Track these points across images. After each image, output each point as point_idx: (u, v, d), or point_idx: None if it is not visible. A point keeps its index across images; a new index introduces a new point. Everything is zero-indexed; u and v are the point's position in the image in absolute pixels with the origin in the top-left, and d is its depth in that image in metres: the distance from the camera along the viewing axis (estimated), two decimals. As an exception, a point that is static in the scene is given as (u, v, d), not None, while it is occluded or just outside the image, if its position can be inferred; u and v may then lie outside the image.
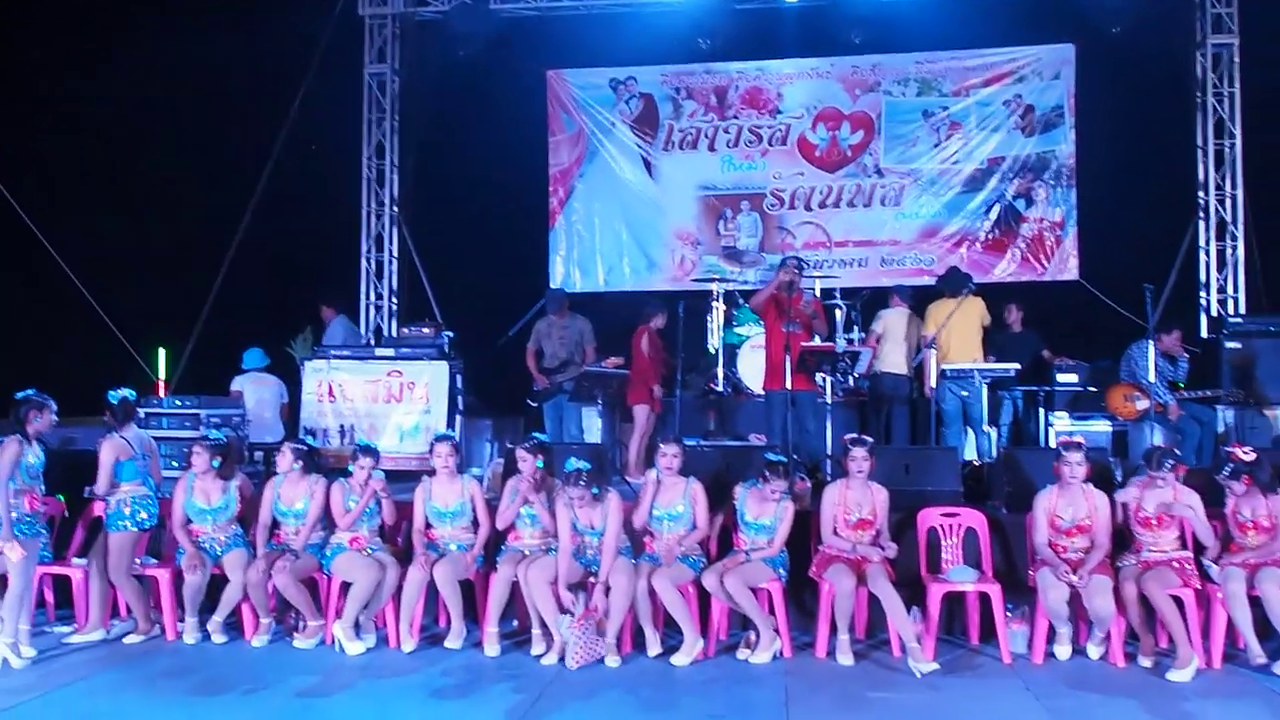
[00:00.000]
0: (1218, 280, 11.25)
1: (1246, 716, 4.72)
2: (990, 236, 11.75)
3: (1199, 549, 5.74)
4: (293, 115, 10.86)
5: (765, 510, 5.82)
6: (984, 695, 5.06)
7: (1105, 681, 5.25)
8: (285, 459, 6.20)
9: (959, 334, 8.50)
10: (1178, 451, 6.10)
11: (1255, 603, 5.37)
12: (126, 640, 6.00)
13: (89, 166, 11.14)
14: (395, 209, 12.25)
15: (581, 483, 5.65)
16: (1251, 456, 5.65)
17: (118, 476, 6.07)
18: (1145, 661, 5.48)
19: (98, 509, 6.56)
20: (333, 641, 5.83)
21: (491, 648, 5.71)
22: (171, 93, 10.95)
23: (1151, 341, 7.87)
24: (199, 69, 10.83)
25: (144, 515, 6.07)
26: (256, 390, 8.90)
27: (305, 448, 6.31)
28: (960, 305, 8.44)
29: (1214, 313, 10.99)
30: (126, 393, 6.28)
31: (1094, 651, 5.62)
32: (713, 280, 10.56)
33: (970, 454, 8.50)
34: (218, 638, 5.97)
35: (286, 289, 10.76)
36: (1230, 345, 8.97)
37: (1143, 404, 7.94)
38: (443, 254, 12.07)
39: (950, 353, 8.48)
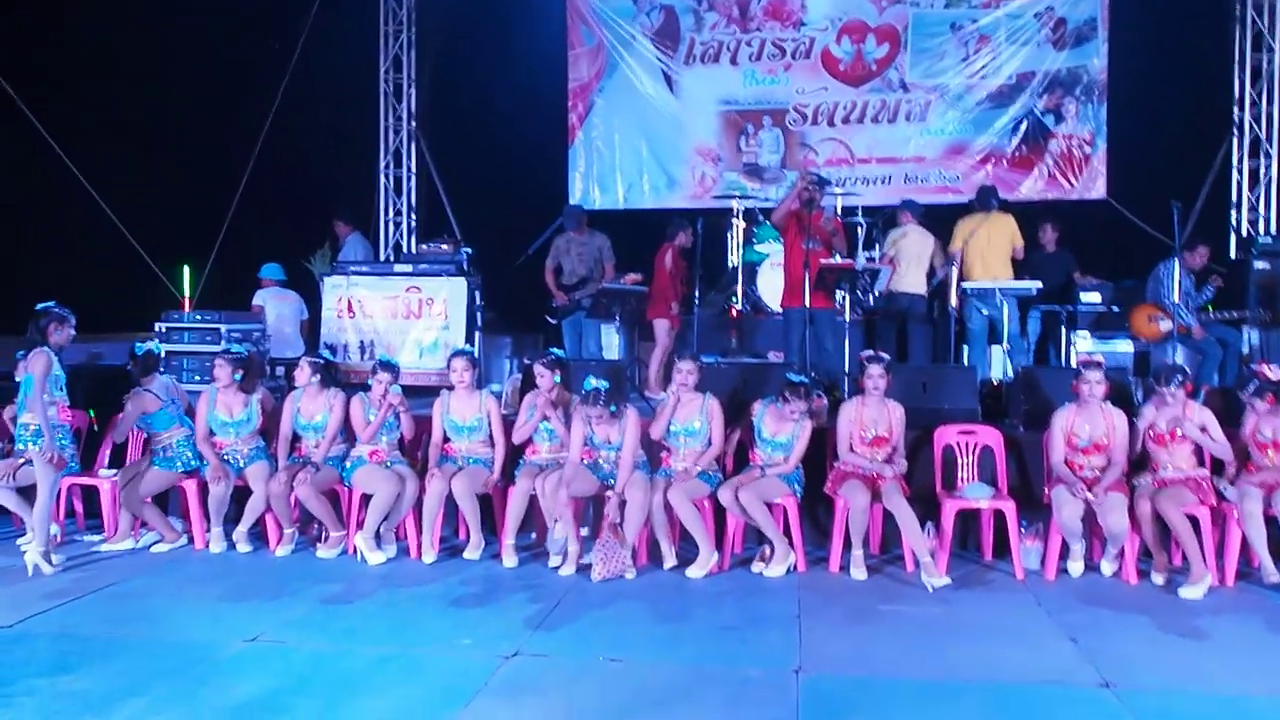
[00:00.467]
0: (1249, 199, 11.04)
1: (1256, 633, 4.75)
2: (1017, 154, 11.53)
3: (1216, 469, 5.73)
4: (307, 28, 10.71)
5: (783, 428, 5.84)
6: (995, 609, 5.11)
7: (1117, 597, 5.28)
8: (303, 373, 6.25)
9: (982, 250, 8.39)
10: (1187, 369, 6.05)
11: (1271, 522, 5.38)
12: (154, 550, 6.15)
13: (110, 86, 11.06)
14: (413, 124, 12.13)
15: (600, 402, 5.68)
16: (1278, 375, 5.60)
17: (155, 426, 6.22)
18: (1158, 579, 5.51)
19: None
20: (354, 552, 5.95)
21: (509, 559, 5.80)
22: (188, 8, 10.80)
23: (1178, 260, 7.75)
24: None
25: (189, 454, 6.23)
26: (277, 305, 8.95)
27: (322, 361, 6.35)
28: (987, 221, 8.30)
29: (1244, 232, 10.81)
30: (151, 346, 6.41)
31: (1107, 568, 5.66)
32: (733, 197, 10.45)
33: (999, 371, 8.46)
34: (243, 547, 6.11)
35: (305, 204, 10.74)
36: (1259, 265, 8.84)
37: (1166, 325, 7.86)
38: (461, 170, 11.99)
39: (974, 270, 8.38)
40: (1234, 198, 11.06)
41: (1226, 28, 11.00)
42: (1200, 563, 5.29)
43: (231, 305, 8.70)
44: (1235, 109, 11.01)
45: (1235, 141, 11.05)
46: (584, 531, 5.79)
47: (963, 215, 8.84)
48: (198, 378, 7.39)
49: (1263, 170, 10.98)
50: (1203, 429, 5.59)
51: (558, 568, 5.68)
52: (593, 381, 5.75)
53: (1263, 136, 10.95)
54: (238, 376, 6.22)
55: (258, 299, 8.96)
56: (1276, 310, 8.92)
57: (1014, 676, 4.15)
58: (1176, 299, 7.71)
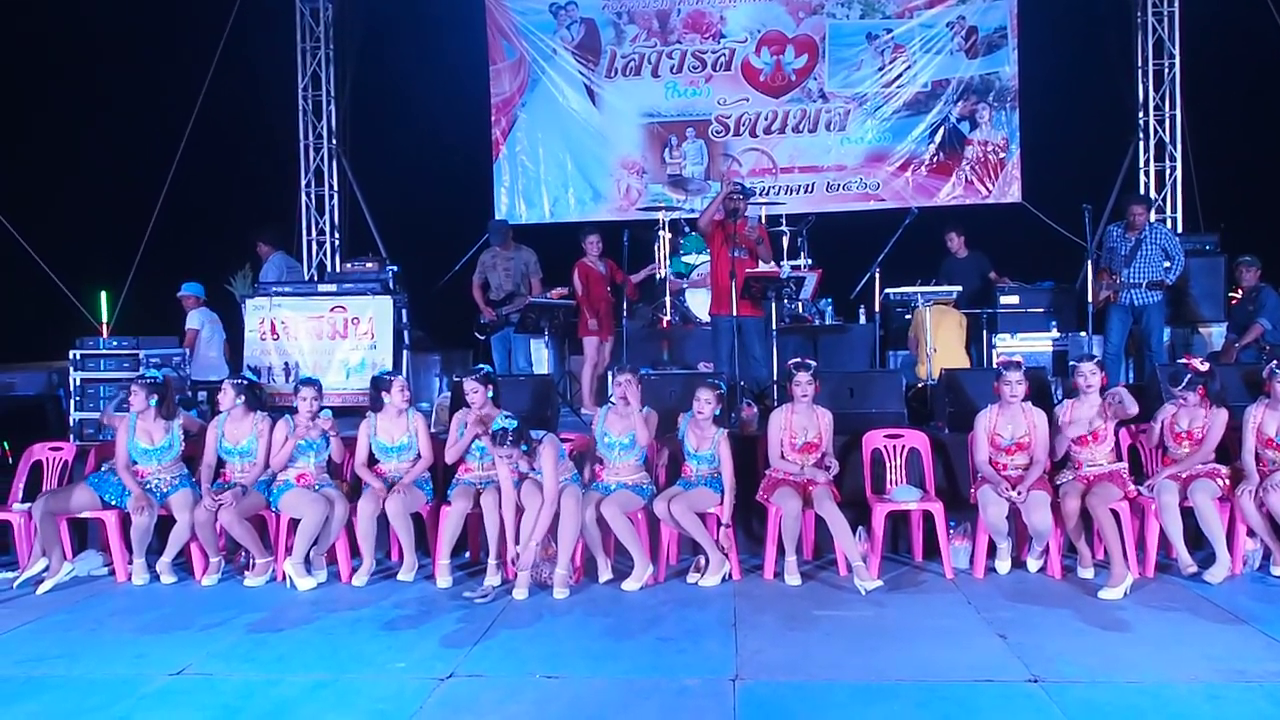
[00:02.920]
0: (1156, 200, 11.40)
1: (1175, 623, 4.88)
2: (935, 160, 11.79)
3: (1132, 462, 5.89)
4: (223, 46, 10.52)
5: (704, 441, 5.85)
6: (927, 610, 5.18)
7: (1043, 593, 5.40)
8: (227, 396, 6.11)
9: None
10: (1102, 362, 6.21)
11: (1186, 514, 5.54)
12: (40, 589, 5.75)
13: (19, 108, 10.73)
14: (334, 142, 11.99)
15: (508, 443, 5.44)
16: (1206, 368, 5.77)
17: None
18: (1084, 573, 5.64)
19: (37, 453, 6.49)
20: (284, 578, 5.82)
21: (444, 579, 5.73)
22: (99, 25, 10.54)
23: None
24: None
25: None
26: (211, 328, 8.78)
27: (245, 383, 6.21)
28: None
29: (1152, 233, 11.15)
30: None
31: (1033, 565, 5.78)
32: (659, 209, 10.50)
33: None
34: (167, 578, 5.95)
35: (224, 225, 10.53)
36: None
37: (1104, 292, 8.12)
38: (385, 187, 11.88)
39: None
40: (1142, 199, 11.41)
41: (1129, 35, 11.38)
42: (1121, 563, 5.36)
43: (151, 330, 8.47)
44: (1140, 114, 11.39)
45: (1141, 145, 11.43)
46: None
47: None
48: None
49: (1168, 172, 11.36)
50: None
51: (496, 587, 5.58)
52: (500, 421, 5.49)
53: (1167, 140, 11.33)
54: (153, 402, 6.05)
55: (193, 321, 8.73)
56: (1185, 306, 9.24)
57: (946, 675, 4.22)
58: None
